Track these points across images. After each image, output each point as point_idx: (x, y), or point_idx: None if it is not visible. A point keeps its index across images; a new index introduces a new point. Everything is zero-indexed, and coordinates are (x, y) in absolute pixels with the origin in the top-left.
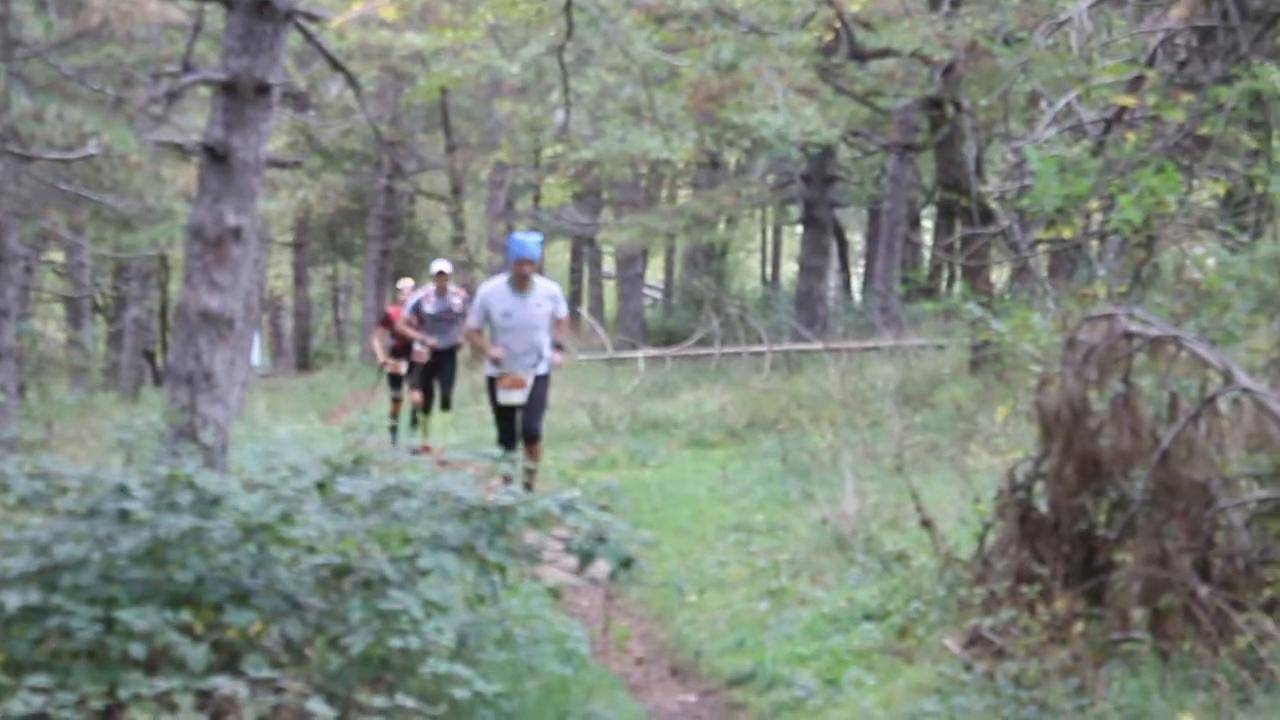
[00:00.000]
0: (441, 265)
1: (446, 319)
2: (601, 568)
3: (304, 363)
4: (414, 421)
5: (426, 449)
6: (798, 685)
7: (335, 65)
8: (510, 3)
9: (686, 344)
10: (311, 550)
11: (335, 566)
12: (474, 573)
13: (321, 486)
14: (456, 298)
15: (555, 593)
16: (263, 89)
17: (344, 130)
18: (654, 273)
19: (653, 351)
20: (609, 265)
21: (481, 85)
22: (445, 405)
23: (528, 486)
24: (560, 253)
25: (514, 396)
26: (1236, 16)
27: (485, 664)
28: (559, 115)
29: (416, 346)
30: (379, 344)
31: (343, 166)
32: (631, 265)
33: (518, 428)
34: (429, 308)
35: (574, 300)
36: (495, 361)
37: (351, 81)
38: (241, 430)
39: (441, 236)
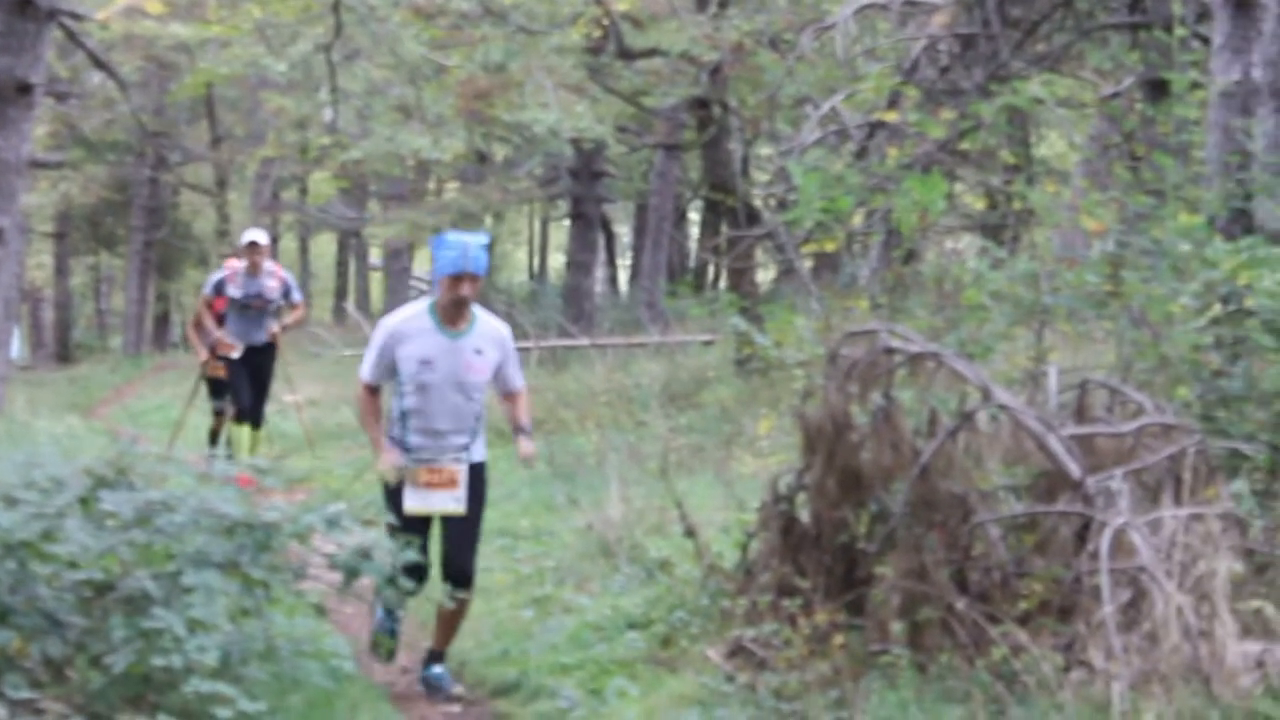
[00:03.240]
0: (255, 234)
1: (258, 306)
2: (366, 582)
3: (65, 354)
4: (215, 437)
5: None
6: (561, 696)
7: (99, 64)
8: None
9: None
10: (73, 566)
11: (97, 583)
12: (238, 588)
13: (84, 501)
14: (273, 279)
15: (320, 609)
16: (24, 88)
17: (107, 121)
18: (422, 263)
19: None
20: (375, 257)
21: (248, 78)
22: (255, 421)
23: (432, 657)
24: (326, 245)
25: (436, 500)
26: (997, 24)
27: (249, 680)
28: (327, 113)
29: (215, 336)
30: (198, 338)
31: (105, 157)
32: (398, 259)
33: (432, 554)
34: (234, 290)
35: (340, 294)
36: (384, 474)
37: (115, 77)
38: (0, 427)
39: (206, 228)
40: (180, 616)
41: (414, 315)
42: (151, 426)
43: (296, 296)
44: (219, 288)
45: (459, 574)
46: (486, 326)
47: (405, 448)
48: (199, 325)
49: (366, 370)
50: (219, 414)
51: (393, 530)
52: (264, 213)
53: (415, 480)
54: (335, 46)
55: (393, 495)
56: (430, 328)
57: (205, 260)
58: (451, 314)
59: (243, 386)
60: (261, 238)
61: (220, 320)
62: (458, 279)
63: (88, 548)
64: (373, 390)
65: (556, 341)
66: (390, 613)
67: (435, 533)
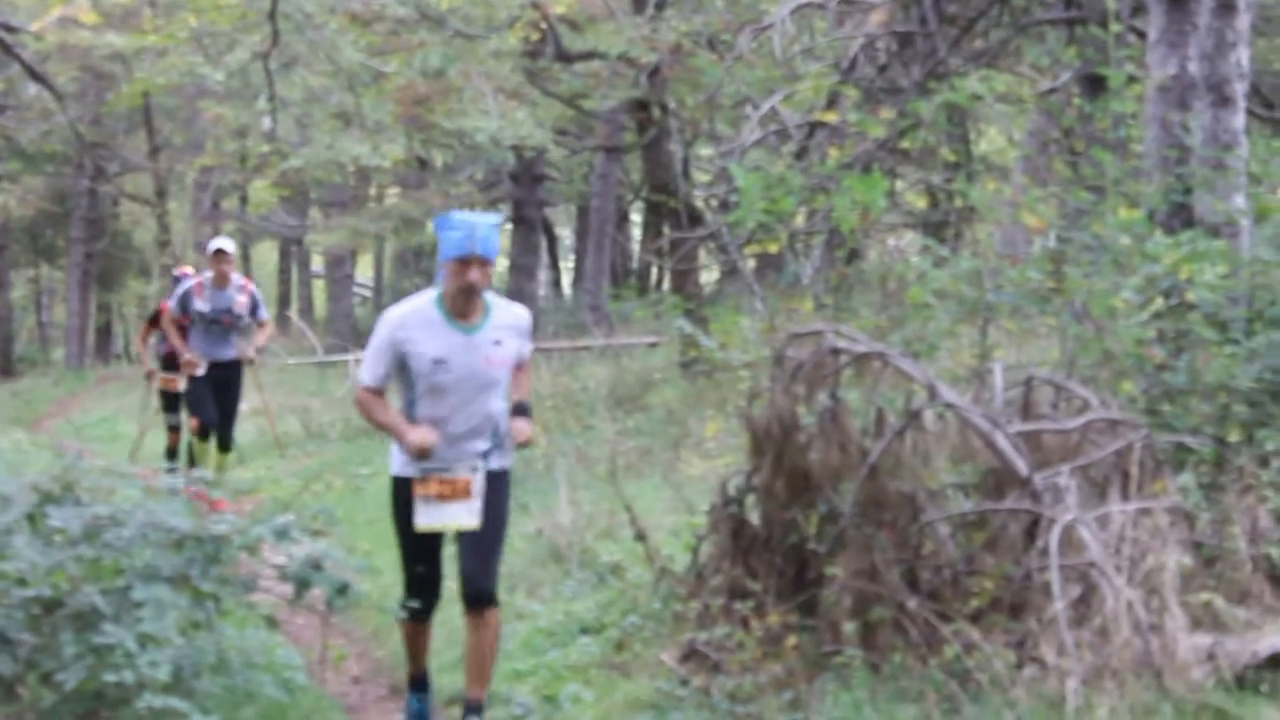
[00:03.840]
0: (223, 242)
1: (227, 321)
2: (317, 592)
3: (7, 368)
4: (173, 454)
5: (201, 496)
6: (516, 702)
7: (35, 77)
8: (214, 7)
9: None
10: (22, 583)
11: (46, 600)
12: (188, 602)
13: (31, 518)
14: (243, 293)
15: (272, 621)
16: None
17: (44, 132)
18: (364, 269)
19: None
20: (317, 264)
21: (186, 87)
22: (223, 444)
23: (470, 709)
24: (268, 253)
25: (449, 514)
26: (934, 22)
27: (201, 694)
28: (265, 121)
29: (186, 357)
30: (145, 349)
31: (43, 169)
32: (340, 266)
33: (442, 572)
34: (201, 304)
35: (283, 302)
36: (421, 453)
37: (51, 89)
38: None
39: (147, 238)
40: (131, 631)
41: (420, 307)
42: (97, 439)
43: (264, 314)
44: (184, 303)
45: (479, 593)
46: (503, 314)
47: (422, 456)
48: (164, 335)
49: (367, 373)
50: (174, 430)
51: (402, 549)
52: (204, 222)
53: (426, 492)
54: (273, 54)
55: (400, 511)
56: (440, 321)
57: (146, 271)
58: (461, 304)
59: (205, 400)
60: (229, 246)
61: (182, 334)
62: (465, 263)
63: (36, 564)
64: (378, 393)
65: None
66: (423, 704)
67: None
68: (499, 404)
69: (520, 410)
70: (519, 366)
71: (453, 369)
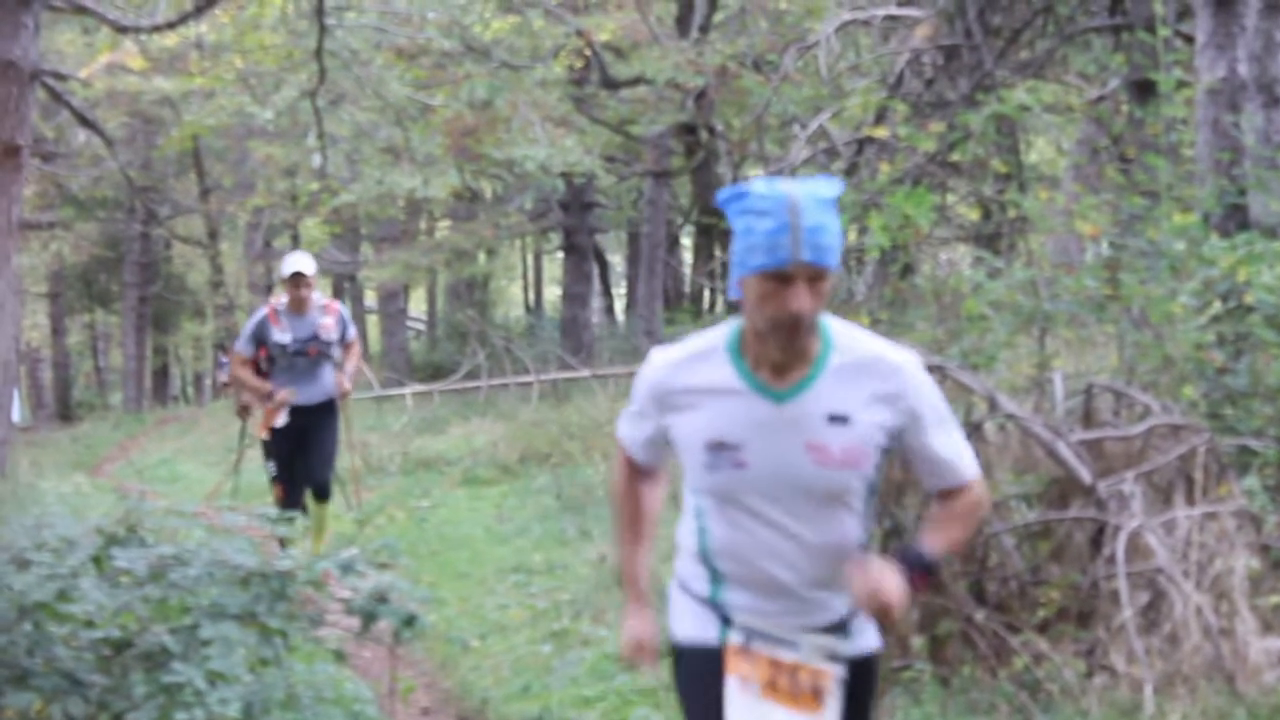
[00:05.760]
0: (301, 263)
1: (314, 351)
2: (384, 625)
3: (66, 414)
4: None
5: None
6: None
7: (85, 122)
8: (260, 48)
9: (453, 378)
10: (90, 625)
11: (115, 641)
12: (256, 639)
13: (97, 560)
14: (329, 315)
15: (340, 655)
16: (11, 150)
17: (95, 178)
18: (417, 303)
19: (420, 387)
20: (371, 300)
21: (235, 128)
22: (320, 493)
23: None
24: (321, 290)
25: None
26: (979, 34)
27: None
28: (315, 159)
29: (279, 396)
30: (242, 388)
31: (95, 215)
32: (394, 300)
33: None
34: (280, 334)
35: None
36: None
37: (101, 135)
38: (5, 489)
39: (200, 280)
40: (200, 670)
41: (703, 352)
42: (158, 481)
43: (352, 333)
44: (259, 336)
45: None
46: (852, 361)
47: (719, 608)
48: (240, 381)
49: (626, 431)
50: (275, 480)
51: None
52: (257, 261)
53: (748, 674)
54: (320, 92)
55: (692, 694)
56: (731, 381)
57: (200, 313)
58: (775, 349)
59: (286, 464)
60: (308, 267)
61: (259, 373)
62: (781, 278)
63: (103, 606)
64: (639, 469)
65: (557, 375)
66: None
67: None
68: (857, 525)
69: (921, 578)
70: (949, 491)
71: (750, 462)
